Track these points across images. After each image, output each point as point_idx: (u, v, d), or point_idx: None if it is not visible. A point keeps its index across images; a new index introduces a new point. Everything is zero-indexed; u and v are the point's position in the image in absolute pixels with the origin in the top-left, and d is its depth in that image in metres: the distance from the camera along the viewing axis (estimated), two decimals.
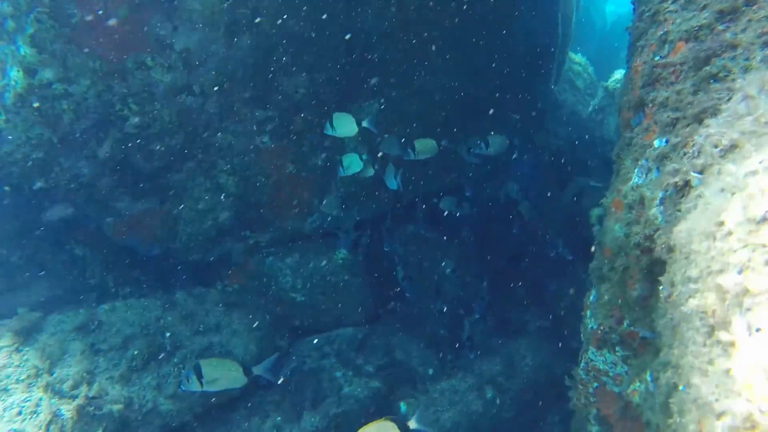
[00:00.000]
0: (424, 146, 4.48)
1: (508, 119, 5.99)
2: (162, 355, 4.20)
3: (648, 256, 1.92)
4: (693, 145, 1.35)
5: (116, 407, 3.72)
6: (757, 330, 0.67)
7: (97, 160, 4.50)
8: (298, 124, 5.18)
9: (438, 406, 4.33)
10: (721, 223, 0.83)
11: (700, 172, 1.18)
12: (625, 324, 2.42)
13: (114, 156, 4.55)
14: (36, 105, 3.72)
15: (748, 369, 0.69)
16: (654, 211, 1.78)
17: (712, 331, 0.79)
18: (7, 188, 4.56)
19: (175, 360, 4.25)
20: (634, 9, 2.94)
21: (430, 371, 4.81)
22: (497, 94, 5.66)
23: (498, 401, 4.33)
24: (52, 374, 3.66)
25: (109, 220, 5.15)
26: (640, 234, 1.92)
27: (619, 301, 2.47)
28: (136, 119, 4.29)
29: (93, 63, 3.85)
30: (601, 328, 2.63)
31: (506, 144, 4.56)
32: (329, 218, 5.73)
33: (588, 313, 2.86)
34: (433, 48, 5.12)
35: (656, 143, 1.97)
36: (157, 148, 4.71)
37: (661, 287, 1.38)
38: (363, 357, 4.91)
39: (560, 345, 4.56)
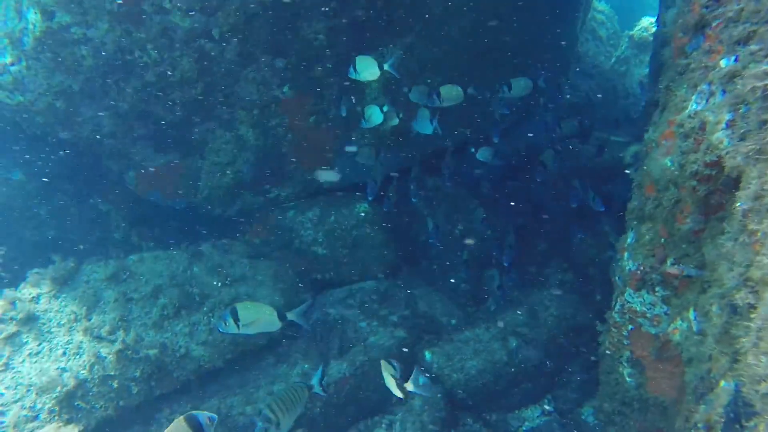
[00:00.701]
0: (450, 93, 4.33)
1: (534, 68, 5.76)
2: (191, 304, 4.28)
3: (706, 185, 1.83)
4: None
5: (152, 352, 3.83)
6: None
7: (118, 110, 4.45)
8: (318, 72, 5.04)
9: (462, 354, 4.38)
10: None
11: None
12: (669, 262, 2.36)
13: (134, 106, 4.48)
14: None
15: None
16: (719, 135, 1.68)
17: None
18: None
19: (205, 309, 4.33)
20: None
21: (453, 321, 4.85)
22: (524, 39, 5.42)
23: (521, 351, 4.36)
24: (89, 320, 3.76)
25: (132, 174, 5.15)
26: (699, 161, 1.83)
27: (662, 239, 2.40)
28: (157, 68, 4.19)
29: (110, 5, 3.72)
30: (641, 268, 2.58)
31: (530, 86, 4.41)
32: (347, 171, 5.66)
33: (625, 255, 2.81)
34: None
35: (723, 63, 1.84)
36: (177, 97, 4.63)
37: (738, 203, 1.30)
38: (387, 308, 4.95)
39: (585, 297, 4.55)
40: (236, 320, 2.86)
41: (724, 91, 1.79)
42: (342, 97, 4.87)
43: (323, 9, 4.58)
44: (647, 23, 9.94)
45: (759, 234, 1.06)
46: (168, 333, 4.05)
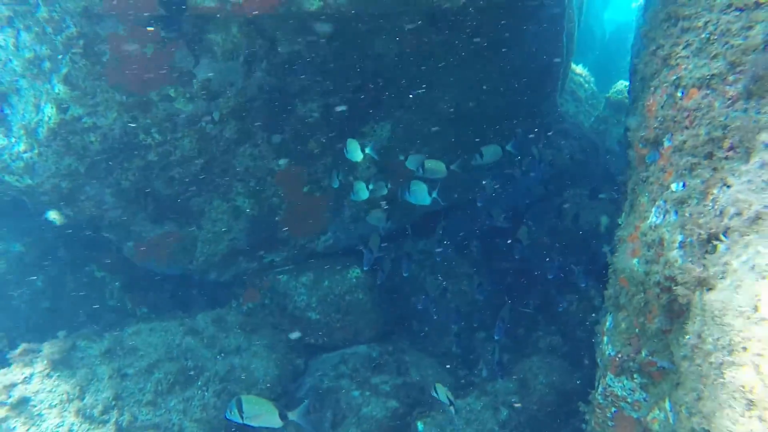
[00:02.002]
0: (436, 167, 4.64)
1: (516, 135, 6.12)
2: (186, 378, 4.30)
3: (668, 294, 2.02)
4: (714, 200, 1.46)
5: None
6: None
7: (121, 187, 4.64)
8: (312, 146, 5.32)
9: (454, 426, 4.41)
10: (756, 308, 0.93)
11: (725, 235, 1.29)
12: (643, 353, 2.52)
13: (136, 183, 4.69)
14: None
15: None
16: (674, 253, 1.89)
17: (751, 405, 0.89)
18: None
19: (199, 383, 4.36)
20: (641, 42, 3.07)
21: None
22: (506, 113, 5.79)
23: (513, 421, 4.41)
24: (82, 400, 3.77)
25: (130, 244, 5.29)
26: (660, 274, 2.03)
27: (637, 330, 2.57)
28: (159, 148, 4.43)
29: (120, 97, 3.99)
30: (620, 355, 2.73)
31: (499, 152, 4.77)
32: (340, 236, 5.86)
33: (605, 339, 2.97)
34: (444, 70, 5.26)
35: (674, 186, 2.08)
36: (177, 174, 4.85)
37: (687, 336, 1.48)
38: (379, 376, 5.00)
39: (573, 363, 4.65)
40: (241, 411, 2.95)
41: (676, 213, 2.02)
42: (333, 170, 5.15)
43: (316, 89, 4.91)
44: (622, 86, 10.58)
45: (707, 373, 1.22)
46: (162, 410, 4.05)
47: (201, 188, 5.15)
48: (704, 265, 1.38)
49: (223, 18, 4.03)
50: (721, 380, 1.00)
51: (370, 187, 4.55)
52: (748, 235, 1.11)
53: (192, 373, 4.35)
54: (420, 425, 4.52)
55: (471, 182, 5.83)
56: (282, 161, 5.30)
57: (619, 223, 3.01)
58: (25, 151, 3.98)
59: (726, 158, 1.71)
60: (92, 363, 4.10)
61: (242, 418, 2.94)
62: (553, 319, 5.57)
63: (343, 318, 5.72)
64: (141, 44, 3.83)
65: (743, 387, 0.91)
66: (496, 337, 4.34)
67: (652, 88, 2.58)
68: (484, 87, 5.57)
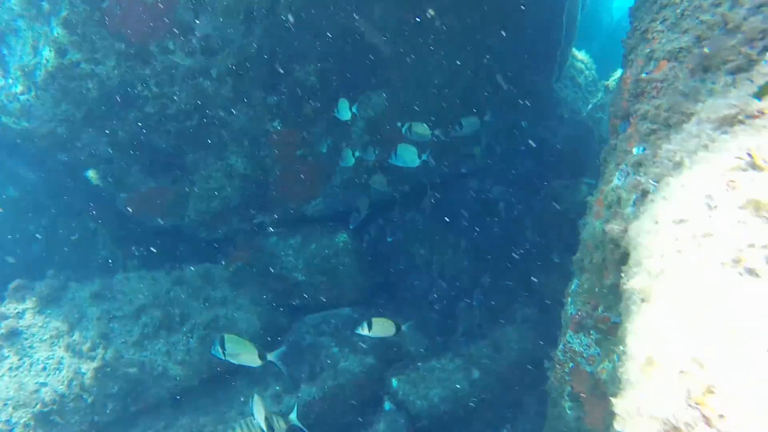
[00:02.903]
0: (421, 129, 4.75)
1: (508, 112, 6.22)
2: (171, 324, 4.48)
3: (620, 248, 2.19)
4: (659, 156, 1.61)
5: (131, 369, 4.01)
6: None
7: (117, 137, 4.73)
8: (308, 110, 5.40)
9: (427, 383, 4.64)
10: (656, 222, 1.09)
11: (657, 181, 1.44)
12: (599, 310, 2.71)
13: (132, 135, 4.77)
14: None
15: (663, 324, 0.97)
16: (629, 210, 2.05)
17: (643, 300, 1.06)
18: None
19: (184, 329, 4.54)
20: (630, 23, 3.17)
21: (422, 350, 5.12)
22: (500, 87, 5.88)
23: (483, 381, 4.64)
24: (71, 336, 3.94)
25: (123, 196, 5.39)
26: (615, 229, 2.19)
27: (596, 289, 2.75)
28: (156, 100, 4.50)
29: (119, 45, 4.05)
30: (579, 313, 2.92)
31: (478, 124, 4.91)
32: (331, 201, 5.99)
33: (569, 300, 3.15)
34: (442, 42, 5.33)
35: (635, 150, 2.23)
36: (173, 128, 4.93)
37: (622, 275, 1.64)
38: (359, 336, 5.20)
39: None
40: (223, 348, 3.12)
41: (634, 174, 2.17)
42: (324, 136, 5.26)
43: (314, 52, 4.97)
44: (620, 74, 10.62)
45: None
46: (147, 351, 4.24)
47: (196, 144, 5.24)
48: (639, 211, 1.54)
49: None
50: (627, 288, 1.16)
51: (356, 154, 4.67)
52: (671, 177, 1.26)
53: (178, 319, 4.53)
54: (395, 381, 4.75)
55: (460, 156, 5.96)
56: (277, 123, 5.38)
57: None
58: (22, 93, 4.04)
59: (680, 123, 1.85)
60: (82, 304, 4.26)
61: (224, 354, 3.12)
62: (531, 292, 5.78)
63: (329, 281, 5.90)
64: None
65: (637, 290, 1.07)
66: (474, 303, 4.53)
67: (630, 62, 2.71)
68: (481, 61, 5.65)
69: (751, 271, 0.87)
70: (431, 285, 5.63)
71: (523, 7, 5.53)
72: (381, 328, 3.46)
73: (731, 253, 0.89)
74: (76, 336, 3.97)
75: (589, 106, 11.06)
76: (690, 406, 0.78)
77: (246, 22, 4.52)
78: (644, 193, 1.68)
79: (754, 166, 0.96)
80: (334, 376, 4.69)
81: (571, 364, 3.08)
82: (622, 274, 1.60)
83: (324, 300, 5.97)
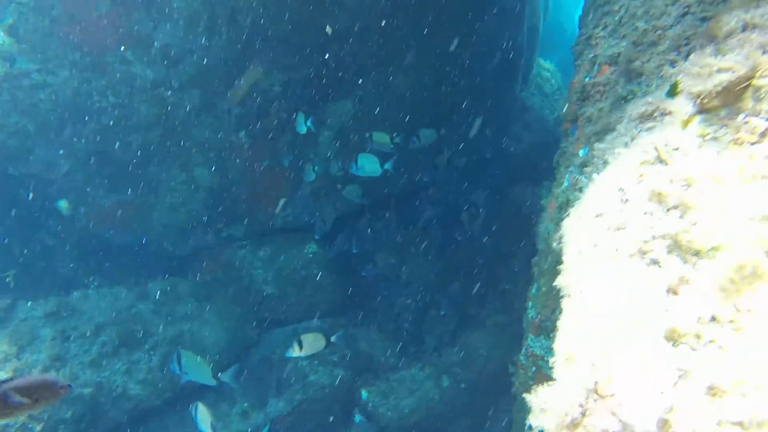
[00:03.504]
0: (381, 138, 4.79)
1: (473, 121, 6.31)
2: (133, 342, 4.33)
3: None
4: (594, 155, 1.64)
5: (87, 390, 3.84)
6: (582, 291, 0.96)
7: (73, 150, 4.60)
8: (273, 120, 5.37)
9: (397, 394, 4.59)
10: (580, 218, 1.10)
11: (588, 179, 1.46)
12: (557, 312, 2.73)
13: (91, 146, 4.65)
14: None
15: (580, 320, 0.97)
16: (580, 181, 2.07)
17: (565, 298, 1.07)
18: None
19: (146, 347, 4.39)
20: (579, 29, 3.27)
21: (392, 360, 5.07)
22: (463, 97, 5.97)
23: (454, 389, 4.62)
24: (20, 359, 3.75)
25: (83, 210, 5.23)
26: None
27: (552, 292, 2.78)
28: (115, 111, 4.41)
29: (73, 55, 3.96)
30: (539, 316, 2.94)
31: (435, 135, 4.97)
32: (300, 211, 5.95)
33: (530, 304, 3.17)
34: (404, 51, 5.39)
35: (581, 152, 2.28)
36: (134, 140, 4.83)
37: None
38: (328, 348, 5.12)
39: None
40: (179, 365, 3.04)
41: (581, 174, 2.21)
42: (287, 151, 5.25)
43: (279, 62, 4.96)
44: None
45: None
46: (106, 372, 4.08)
47: (159, 156, 5.14)
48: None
49: None
50: (554, 283, 1.17)
51: (316, 169, 4.71)
52: (596, 173, 1.28)
53: (140, 336, 4.38)
54: (364, 393, 4.68)
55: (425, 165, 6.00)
56: (242, 134, 5.33)
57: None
58: None
59: (615, 123, 1.90)
60: (35, 324, 4.08)
61: (180, 370, 3.03)
62: (500, 298, 5.81)
63: (299, 292, 5.82)
64: (95, 1, 3.81)
65: (563, 286, 1.08)
66: (442, 312, 4.53)
67: (577, 67, 2.78)
68: (445, 71, 5.73)
69: (654, 261, 0.88)
70: (398, 296, 5.61)
71: (484, 19, 5.66)
72: (311, 345, 3.45)
73: (638, 244, 0.90)
74: (26, 358, 3.79)
75: (555, 114, 11.35)
76: (592, 397, 0.78)
77: (207, 31, 4.48)
78: (581, 191, 1.71)
79: (660, 161, 0.99)
80: (303, 390, 4.60)
81: (533, 368, 3.08)
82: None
83: (294, 312, 5.88)
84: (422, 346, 5.56)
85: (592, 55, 2.51)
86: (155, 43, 4.42)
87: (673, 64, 1.88)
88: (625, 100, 2.06)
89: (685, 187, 0.91)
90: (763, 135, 0.85)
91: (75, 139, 4.56)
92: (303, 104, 5.31)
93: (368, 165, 4.40)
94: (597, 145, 1.49)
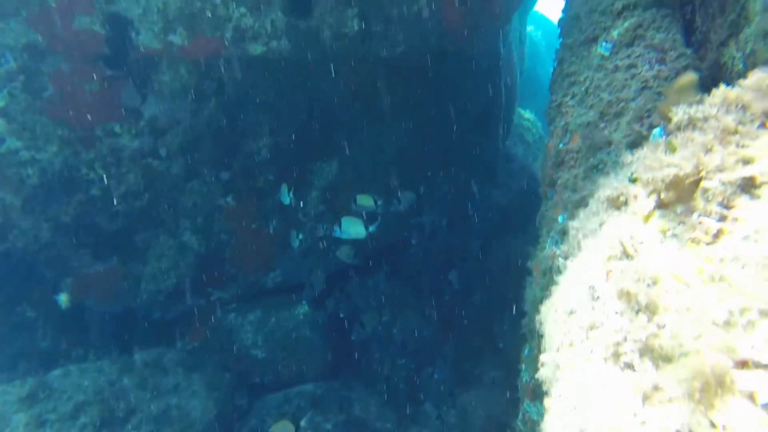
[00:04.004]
0: (365, 201, 4.87)
1: (458, 176, 6.44)
2: (115, 421, 4.13)
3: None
4: (568, 233, 1.67)
5: None
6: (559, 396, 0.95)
7: (59, 222, 4.59)
8: (260, 183, 5.44)
9: None
10: (556, 310, 1.11)
11: (565, 259, 1.49)
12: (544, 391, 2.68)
13: (77, 218, 4.65)
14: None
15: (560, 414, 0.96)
16: (555, 278, 2.09)
17: (546, 395, 1.06)
18: None
19: (129, 426, 4.19)
20: (550, 94, 3.42)
21: (388, 425, 4.88)
22: (447, 154, 6.13)
23: None
24: None
25: (68, 280, 5.15)
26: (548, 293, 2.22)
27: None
28: (102, 183, 4.45)
29: (62, 131, 4.04)
30: (533, 381, 2.88)
31: (414, 197, 5.06)
32: (290, 272, 5.91)
33: (523, 366, 3.11)
34: (388, 113, 5.57)
35: (560, 219, 2.32)
36: (122, 208, 4.84)
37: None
38: (322, 414, 4.94)
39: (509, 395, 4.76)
40: None
41: (561, 242, 2.24)
42: (270, 216, 5.31)
43: (265, 127, 5.10)
44: None
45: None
46: None
47: (146, 224, 5.14)
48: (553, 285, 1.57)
49: (170, 59, 4.21)
50: (537, 376, 1.16)
51: (300, 236, 4.79)
52: (569, 260, 1.31)
53: (122, 415, 4.19)
54: None
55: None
56: (230, 197, 5.38)
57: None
58: None
59: (587, 197, 1.95)
60: (7, 411, 3.88)
61: None
62: (497, 353, 5.70)
63: (290, 356, 5.67)
64: (86, 81, 3.93)
65: (544, 379, 1.08)
66: (435, 376, 4.42)
67: (551, 132, 2.89)
68: (427, 129, 5.91)
69: (628, 365, 0.88)
70: (392, 356, 5.49)
71: (464, 78, 5.91)
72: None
73: (611, 347, 0.91)
74: None
75: (539, 162, 11.63)
76: None
77: (195, 102, 4.62)
78: (559, 272, 1.73)
79: (626, 255, 1.01)
80: None
81: None
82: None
83: (286, 376, 5.70)
84: (419, 406, 5.38)
85: (563, 122, 2.62)
86: (143, 115, 4.54)
87: (641, 136, 1.97)
88: (596, 168, 2.13)
89: (651, 286, 0.93)
90: (715, 236, 0.89)
91: (61, 211, 4.56)
92: (290, 166, 5.41)
93: (352, 228, 4.45)
94: (571, 223, 1.53)
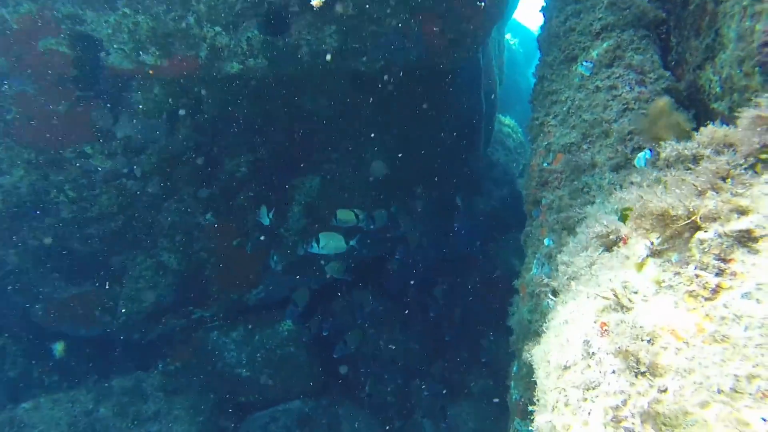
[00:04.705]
0: (346, 216, 4.83)
1: (441, 188, 6.43)
2: None
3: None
4: (557, 266, 1.64)
5: None
6: None
7: (28, 246, 4.40)
8: (240, 200, 5.32)
9: None
10: (548, 362, 1.07)
11: (555, 294, 1.46)
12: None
13: (48, 242, 4.47)
14: None
15: None
16: (544, 304, 2.06)
17: None
18: None
19: None
20: (531, 111, 3.42)
21: None
22: (429, 165, 6.12)
23: None
24: None
25: (39, 307, 4.94)
26: (538, 322, 2.19)
27: (533, 378, 2.72)
28: (73, 205, 4.29)
29: (28, 154, 3.87)
30: (522, 400, 2.85)
31: (385, 216, 5.06)
32: (272, 288, 5.80)
33: (512, 384, 3.09)
34: (369, 126, 5.53)
35: (546, 242, 2.30)
36: (95, 231, 4.67)
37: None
38: None
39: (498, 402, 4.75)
40: None
41: (547, 265, 2.22)
42: (249, 237, 5.22)
43: (245, 144, 4.99)
44: None
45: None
46: None
47: (122, 245, 4.97)
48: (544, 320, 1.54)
49: (143, 78, 4.08)
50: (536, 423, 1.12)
51: (276, 259, 4.74)
52: (564, 298, 1.28)
53: None
54: None
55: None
56: (209, 215, 5.25)
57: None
58: None
59: (574, 225, 1.93)
60: None
61: None
62: (485, 363, 5.68)
63: (275, 373, 5.56)
64: (53, 103, 3.78)
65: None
66: (425, 393, 4.38)
67: (533, 151, 2.88)
68: (409, 143, 5.89)
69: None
70: (380, 373, 5.43)
71: (444, 91, 5.91)
72: None
73: (611, 412, 0.87)
74: None
75: (521, 167, 11.76)
76: None
77: (169, 121, 4.50)
78: (547, 307, 1.71)
79: (620, 306, 0.98)
80: None
81: None
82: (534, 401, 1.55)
83: (272, 394, 5.58)
84: (408, 420, 5.32)
85: (546, 142, 2.61)
86: (116, 135, 4.39)
87: (626, 158, 1.96)
88: (581, 191, 2.12)
89: (650, 344, 0.90)
90: (714, 291, 0.86)
91: (29, 236, 4.38)
92: (270, 182, 5.32)
93: (332, 243, 4.39)
94: (560, 257, 1.50)
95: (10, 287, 4.64)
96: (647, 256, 1.01)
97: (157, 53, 3.76)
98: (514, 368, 3.15)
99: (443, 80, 5.35)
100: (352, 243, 4.72)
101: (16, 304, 4.94)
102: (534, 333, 2.26)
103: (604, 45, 2.46)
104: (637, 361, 0.89)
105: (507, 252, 6.26)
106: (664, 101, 1.67)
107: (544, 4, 3.67)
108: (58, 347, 4.26)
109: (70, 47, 3.61)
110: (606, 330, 0.97)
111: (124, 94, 4.20)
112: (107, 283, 5.12)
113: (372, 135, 5.45)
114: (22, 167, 3.93)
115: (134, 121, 4.28)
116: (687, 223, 0.99)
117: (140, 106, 4.17)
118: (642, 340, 0.90)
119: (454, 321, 5.46)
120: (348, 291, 5.78)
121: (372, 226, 4.76)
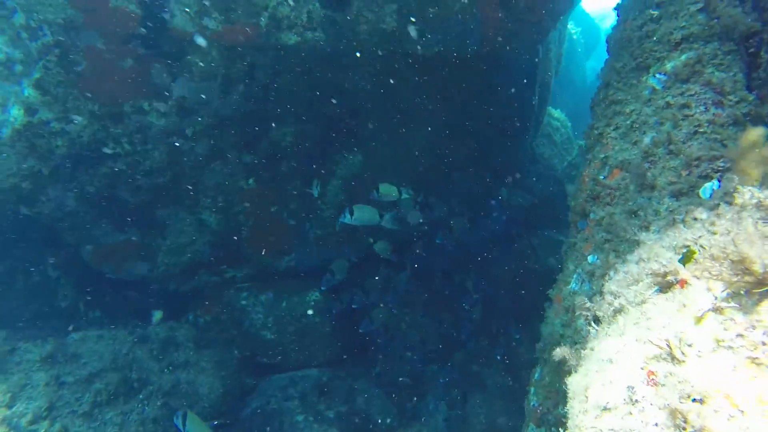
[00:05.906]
0: (388, 190, 4.82)
1: (484, 177, 6.33)
2: (128, 390, 4.26)
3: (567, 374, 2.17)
4: (603, 295, 1.60)
5: None
6: None
7: (84, 192, 4.65)
8: (283, 168, 5.42)
9: None
10: (586, 398, 1.07)
11: (596, 321, 1.44)
12: (560, 408, 2.66)
13: (101, 189, 4.70)
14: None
15: None
16: (579, 323, 2.04)
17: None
18: None
19: (140, 396, 4.32)
20: (591, 117, 3.29)
21: (389, 420, 4.95)
22: (474, 154, 6.02)
23: None
24: (11, 408, 3.69)
25: (89, 247, 5.25)
26: (571, 338, 2.17)
27: (556, 386, 2.71)
28: (128, 158, 4.48)
29: (92, 106, 4.04)
30: (540, 407, 2.86)
31: (395, 191, 4.98)
32: (306, 257, 5.93)
33: (531, 390, 3.10)
34: (418, 109, 5.46)
35: (590, 258, 2.25)
36: (144, 184, 4.88)
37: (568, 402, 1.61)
38: (325, 402, 5.03)
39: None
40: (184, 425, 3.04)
41: (588, 283, 2.18)
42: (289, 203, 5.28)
43: (291, 114, 5.04)
44: None
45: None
46: (97, 422, 4.00)
47: (168, 200, 5.18)
48: (583, 345, 1.53)
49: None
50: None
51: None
52: (608, 329, 1.26)
53: (135, 385, 4.32)
54: None
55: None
56: (251, 180, 5.37)
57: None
58: None
59: (625, 252, 1.88)
60: (29, 368, 4.03)
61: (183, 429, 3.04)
62: (505, 361, 5.70)
63: (299, 340, 5.75)
64: (119, 59, 3.91)
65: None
66: (442, 379, 4.44)
67: (588, 161, 2.78)
68: (456, 129, 5.79)
69: None
70: (401, 353, 5.52)
71: (500, 77, 5.74)
72: None
73: None
74: (17, 407, 3.72)
75: (565, 164, 11.37)
76: None
77: (223, 86, 4.57)
78: (590, 322, 1.68)
79: (672, 358, 0.96)
80: None
81: None
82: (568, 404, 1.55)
83: (293, 360, 5.80)
84: (420, 402, 5.43)
85: (603, 155, 2.51)
86: (172, 94, 4.51)
87: (690, 186, 1.87)
88: (635, 214, 2.05)
89: (700, 404, 0.88)
90: None
91: (87, 182, 4.62)
92: (314, 153, 5.37)
93: (366, 215, 4.43)
94: (607, 286, 1.47)
95: (66, 228, 4.94)
96: (708, 310, 0.98)
97: (220, 18, 3.79)
98: (536, 375, 3.15)
99: (499, 71, 5.19)
100: (386, 217, 4.72)
101: (69, 243, 5.27)
102: (559, 362, 2.24)
103: (683, 57, 2.32)
104: (685, 420, 0.88)
105: (543, 250, 6.16)
106: (759, 131, 1.55)
107: (620, 1, 3.47)
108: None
109: (139, 6, 3.69)
110: (653, 380, 0.96)
111: (184, 56, 4.29)
112: (150, 234, 5.37)
113: (420, 118, 5.38)
114: (86, 117, 4.11)
115: (190, 83, 4.38)
116: (759, 281, 0.95)
117: (198, 68, 4.25)
118: (692, 399, 0.89)
119: (480, 313, 5.46)
120: (383, 270, 5.85)
121: (376, 197, 4.74)
